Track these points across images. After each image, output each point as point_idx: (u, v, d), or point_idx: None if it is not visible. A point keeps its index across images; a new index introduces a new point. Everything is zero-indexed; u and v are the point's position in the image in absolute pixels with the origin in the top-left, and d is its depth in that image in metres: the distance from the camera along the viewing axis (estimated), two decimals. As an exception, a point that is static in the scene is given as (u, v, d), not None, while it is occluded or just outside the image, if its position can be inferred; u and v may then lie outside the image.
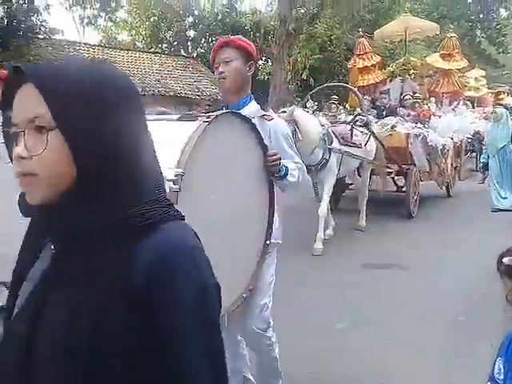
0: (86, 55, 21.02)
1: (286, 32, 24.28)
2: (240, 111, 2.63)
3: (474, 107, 11.94)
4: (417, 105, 9.71)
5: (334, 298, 5.31)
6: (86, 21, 29.80)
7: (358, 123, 8.35)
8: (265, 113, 2.90)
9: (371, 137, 8.63)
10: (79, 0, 27.80)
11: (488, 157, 10.54)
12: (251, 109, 2.85)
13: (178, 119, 2.57)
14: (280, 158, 2.63)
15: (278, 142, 2.85)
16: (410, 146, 9.37)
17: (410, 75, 11.30)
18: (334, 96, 10.05)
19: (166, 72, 23.96)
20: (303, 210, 8.18)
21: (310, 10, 26.45)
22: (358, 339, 4.33)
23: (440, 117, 10.06)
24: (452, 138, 10.15)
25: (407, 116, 9.64)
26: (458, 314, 4.91)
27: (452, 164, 11.08)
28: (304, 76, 25.83)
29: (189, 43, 30.81)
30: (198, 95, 22.72)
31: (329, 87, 11.15)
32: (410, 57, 11.77)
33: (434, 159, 9.93)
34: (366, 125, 8.33)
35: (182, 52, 29.51)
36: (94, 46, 25.21)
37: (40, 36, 19.29)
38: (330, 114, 9.92)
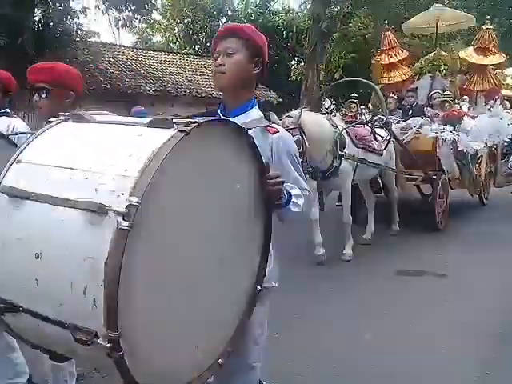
0: (121, 57, 21.60)
1: (320, 31, 23.48)
2: (236, 119, 2.10)
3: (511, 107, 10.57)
4: (446, 104, 8.42)
5: (364, 306, 5.09)
6: (121, 23, 29.65)
7: (376, 123, 7.21)
8: (268, 123, 2.27)
9: (391, 140, 7.49)
10: (115, 3, 27.68)
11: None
12: (252, 117, 2.26)
13: (149, 124, 1.72)
14: (283, 182, 2.03)
15: (282, 161, 2.24)
16: (437, 150, 8.17)
17: (440, 72, 10.02)
18: (354, 94, 8.88)
19: (198, 73, 23.66)
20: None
21: (343, 8, 25.43)
22: (390, 350, 4.07)
23: (473, 118, 8.76)
24: (486, 143, 8.84)
25: (435, 116, 8.40)
26: (496, 324, 4.64)
27: (486, 170, 9.80)
28: (337, 76, 24.81)
29: None
30: (230, 96, 22.05)
31: (347, 83, 9.96)
32: (442, 51, 10.49)
33: (464, 165, 8.70)
34: (386, 125, 7.14)
35: (215, 53, 28.88)
36: (128, 47, 25.11)
37: (77, 39, 18.86)
38: (349, 113, 8.81)
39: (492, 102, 9.65)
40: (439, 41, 11.34)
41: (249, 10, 28.72)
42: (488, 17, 10.28)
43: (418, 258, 6.76)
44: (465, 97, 9.52)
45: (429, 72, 10.12)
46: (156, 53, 24.65)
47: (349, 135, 6.84)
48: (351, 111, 8.85)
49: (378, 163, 7.24)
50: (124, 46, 25.09)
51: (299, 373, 3.69)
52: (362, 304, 5.12)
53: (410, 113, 9.07)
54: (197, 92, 21.58)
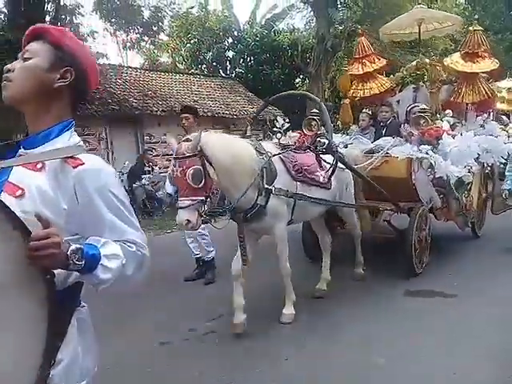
0: (129, 78, 20.82)
1: (324, 49, 22.04)
2: (35, 150, 1.62)
3: (508, 123, 8.50)
4: (422, 121, 6.44)
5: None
6: (128, 45, 28.69)
7: (318, 148, 5.26)
8: (72, 154, 1.57)
9: (342, 168, 5.60)
10: (123, 26, 26.86)
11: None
12: (55, 146, 1.61)
13: None
14: (58, 243, 1.37)
15: (92, 203, 1.57)
16: (412, 176, 6.23)
17: (424, 82, 8.10)
18: (315, 110, 7.02)
19: (204, 92, 22.76)
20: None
21: (348, 27, 23.65)
22: (401, 378, 3.87)
23: (454, 137, 6.73)
24: (471, 167, 6.82)
25: (410, 136, 6.46)
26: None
27: (480, 196, 7.78)
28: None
29: (227, 64, 28.60)
30: (236, 115, 21.15)
31: (292, 95, 8.11)
32: (426, 58, 8.53)
33: (450, 193, 6.72)
34: (330, 149, 5.18)
35: (221, 72, 27.91)
36: (136, 69, 24.12)
37: None
38: (309, 132, 6.93)
39: (485, 115, 7.66)
40: (423, 48, 9.28)
41: (254, 30, 27.20)
42: (476, 16, 8.15)
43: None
44: (448, 111, 7.50)
45: (411, 83, 8.18)
46: (163, 73, 23.81)
47: (284, 164, 4.95)
48: (311, 130, 6.96)
49: (325, 199, 5.34)
50: (132, 68, 24.09)
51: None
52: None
53: (384, 131, 7.15)
54: (203, 111, 20.18)
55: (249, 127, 6.17)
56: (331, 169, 5.09)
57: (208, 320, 5.16)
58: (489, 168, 7.71)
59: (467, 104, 7.76)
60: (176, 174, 4.15)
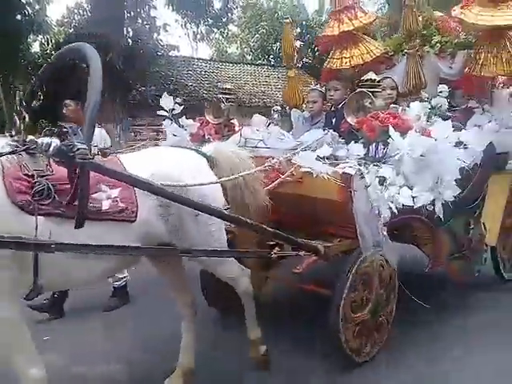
0: (199, 70, 19.96)
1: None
2: None
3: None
4: (367, 102, 3.18)
5: None
6: (198, 37, 26.59)
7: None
8: None
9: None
10: (193, 17, 24.92)
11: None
12: None
13: None
14: None
15: None
16: (352, 197, 3.07)
17: (432, 47, 4.78)
18: (227, 86, 3.97)
19: (271, 83, 21.29)
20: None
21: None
22: None
23: (422, 133, 3.12)
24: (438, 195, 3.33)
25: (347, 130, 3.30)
26: None
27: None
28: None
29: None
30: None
31: None
32: (437, 12, 5.13)
33: (436, 225, 3.49)
34: (62, 155, 2.05)
35: (289, 62, 24.95)
36: (205, 60, 22.68)
37: (158, 53, 16.80)
38: (215, 120, 3.97)
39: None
40: None
41: (322, 19, 24.01)
42: None
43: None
44: (442, 88, 4.05)
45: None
46: (232, 64, 22.36)
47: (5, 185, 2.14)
48: (219, 116, 3.97)
49: (118, 245, 2.35)
50: (201, 59, 22.48)
51: None
52: None
53: (333, 120, 3.99)
54: (270, 102, 18.71)
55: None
56: (74, 186, 2.12)
57: None
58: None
59: (493, 80, 4.37)
60: None
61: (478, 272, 4.13)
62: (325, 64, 5.24)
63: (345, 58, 5.05)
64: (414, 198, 2.86)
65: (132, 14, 19.25)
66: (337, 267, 3.26)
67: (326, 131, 3.34)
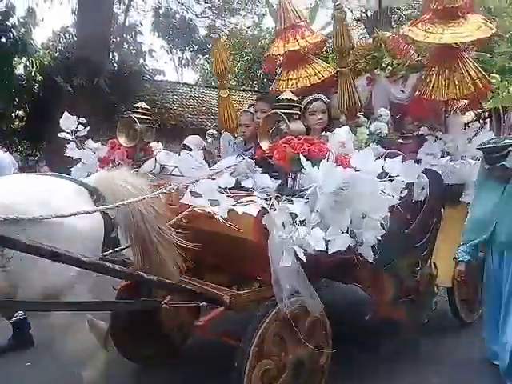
0: (184, 95, 19.74)
1: None
2: None
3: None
4: (282, 125, 2.58)
5: None
6: (183, 62, 26.49)
7: None
8: None
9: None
10: (179, 44, 24.81)
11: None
12: None
13: None
14: None
15: None
16: (268, 236, 2.51)
17: (383, 69, 4.31)
18: (143, 105, 3.50)
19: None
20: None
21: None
22: None
23: (339, 162, 2.47)
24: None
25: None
26: None
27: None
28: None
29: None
30: (284, 129, 19.28)
31: None
32: (387, 33, 4.65)
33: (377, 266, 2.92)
34: None
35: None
36: (190, 85, 22.88)
37: (144, 77, 16.92)
38: (129, 143, 3.44)
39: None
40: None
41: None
42: None
43: None
44: (383, 112, 3.50)
45: (365, 70, 4.40)
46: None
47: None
48: (133, 138, 3.43)
49: None
50: (187, 84, 22.80)
51: None
52: None
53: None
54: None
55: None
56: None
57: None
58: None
59: (444, 102, 3.89)
60: None
61: (427, 319, 3.54)
62: (272, 86, 4.78)
63: (291, 79, 4.60)
64: (328, 241, 2.29)
65: (118, 39, 19.19)
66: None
67: (241, 158, 2.81)
